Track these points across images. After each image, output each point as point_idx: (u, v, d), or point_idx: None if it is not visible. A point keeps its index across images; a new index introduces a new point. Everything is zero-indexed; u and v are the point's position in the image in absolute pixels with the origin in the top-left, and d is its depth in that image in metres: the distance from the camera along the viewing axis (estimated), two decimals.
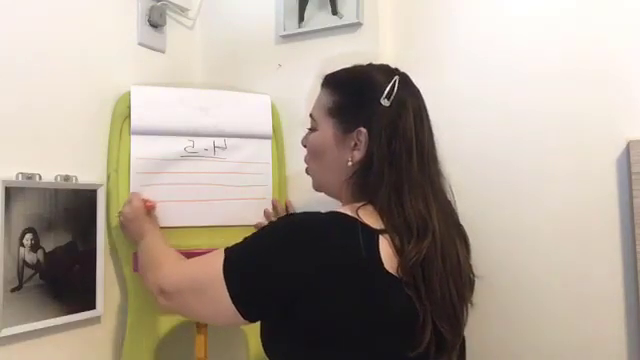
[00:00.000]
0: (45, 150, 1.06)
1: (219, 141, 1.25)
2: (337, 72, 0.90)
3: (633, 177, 1.00)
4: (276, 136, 1.32)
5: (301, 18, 1.32)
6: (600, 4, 1.07)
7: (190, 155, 1.22)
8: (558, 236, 1.09)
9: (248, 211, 1.25)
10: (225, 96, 1.30)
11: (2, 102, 0.99)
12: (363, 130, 0.81)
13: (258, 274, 0.74)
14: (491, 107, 1.16)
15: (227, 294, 0.74)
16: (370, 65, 0.89)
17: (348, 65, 0.90)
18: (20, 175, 0.99)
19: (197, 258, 0.84)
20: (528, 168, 1.12)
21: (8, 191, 0.96)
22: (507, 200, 1.14)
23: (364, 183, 0.81)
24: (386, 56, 1.22)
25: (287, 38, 1.35)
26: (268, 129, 1.30)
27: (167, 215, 1.19)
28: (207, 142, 1.24)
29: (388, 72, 0.85)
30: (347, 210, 0.77)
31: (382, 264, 0.71)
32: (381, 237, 0.73)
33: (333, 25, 1.27)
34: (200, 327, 1.24)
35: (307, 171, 0.94)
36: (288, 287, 0.72)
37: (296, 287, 0.71)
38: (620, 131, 1.04)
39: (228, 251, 0.78)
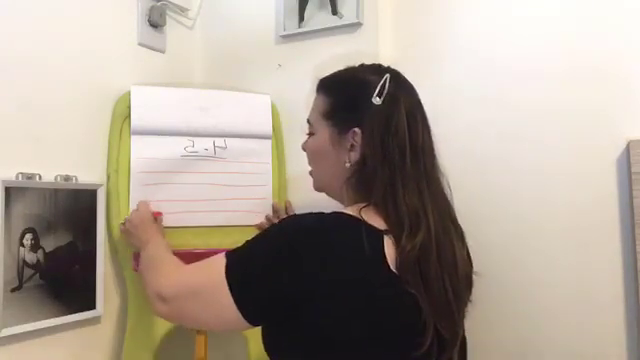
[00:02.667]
0: (45, 150, 1.07)
1: (219, 141, 1.25)
2: (330, 75, 0.91)
3: (633, 177, 1.00)
4: (276, 136, 1.32)
5: (301, 18, 1.32)
6: (600, 4, 1.07)
7: (190, 155, 1.22)
8: (558, 236, 1.09)
9: (248, 211, 1.25)
10: (225, 96, 1.30)
11: (2, 102, 0.99)
12: (357, 130, 0.81)
13: (262, 277, 0.73)
14: (491, 106, 1.16)
15: (230, 298, 0.73)
16: (362, 65, 0.89)
17: (341, 68, 0.91)
18: (20, 175, 0.99)
19: (197, 263, 0.82)
20: (528, 168, 1.12)
21: (8, 191, 0.96)
22: (507, 199, 1.14)
23: (362, 183, 0.81)
24: (386, 56, 1.22)
25: (287, 38, 1.35)
26: (268, 129, 1.30)
27: (167, 215, 1.19)
28: (207, 142, 1.24)
29: (379, 71, 0.84)
30: (350, 211, 0.76)
31: (387, 264, 0.71)
32: (386, 237, 0.73)
33: (333, 25, 1.27)
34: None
35: (310, 173, 0.94)
36: (292, 290, 0.71)
37: (300, 290, 0.71)
38: (620, 131, 1.04)
39: (230, 254, 0.77)
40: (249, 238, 0.79)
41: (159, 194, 1.18)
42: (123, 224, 1.12)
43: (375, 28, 1.24)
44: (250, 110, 1.30)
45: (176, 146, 1.21)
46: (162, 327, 1.17)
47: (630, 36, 1.05)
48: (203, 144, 1.23)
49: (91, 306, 1.11)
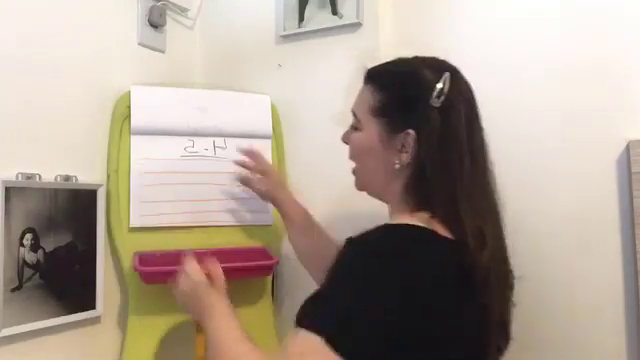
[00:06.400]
0: (45, 150, 1.06)
1: (219, 141, 1.25)
2: (382, 67, 0.85)
3: (633, 177, 1.00)
4: (276, 136, 1.32)
5: (301, 18, 1.32)
6: (600, 4, 1.07)
7: (190, 155, 1.22)
8: (558, 236, 1.09)
9: (248, 211, 1.25)
10: (225, 96, 1.30)
11: (2, 102, 0.99)
12: (412, 132, 0.76)
13: (367, 321, 0.63)
14: (491, 107, 1.15)
15: None
16: (417, 59, 0.83)
17: (391, 59, 0.86)
18: (20, 175, 0.99)
19: (282, 353, 0.65)
20: (528, 167, 1.12)
21: (8, 191, 0.96)
22: (506, 199, 1.13)
23: (418, 189, 0.77)
24: (386, 56, 1.22)
25: (287, 38, 1.35)
26: (268, 129, 1.30)
27: (168, 215, 1.19)
28: (207, 142, 1.24)
29: (437, 68, 0.79)
30: (417, 221, 0.72)
31: (468, 278, 0.68)
32: (460, 250, 0.70)
33: (333, 25, 1.27)
34: (200, 327, 1.24)
35: (352, 171, 0.88)
36: (397, 321, 0.63)
37: (403, 319, 0.63)
38: (620, 131, 1.04)
39: (318, 320, 0.63)
40: (319, 288, 0.68)
41: (159, 194, 1.18)
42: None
43: (375, 28, 1.24)
44: (250, 110, 1.30)
45: (176, 146, 1.21)
46: (162, 327, 1.17)
47: (630, 36, 1.05)
48: (203, 144, 1.23)
49: (91, 306, 1.11)
